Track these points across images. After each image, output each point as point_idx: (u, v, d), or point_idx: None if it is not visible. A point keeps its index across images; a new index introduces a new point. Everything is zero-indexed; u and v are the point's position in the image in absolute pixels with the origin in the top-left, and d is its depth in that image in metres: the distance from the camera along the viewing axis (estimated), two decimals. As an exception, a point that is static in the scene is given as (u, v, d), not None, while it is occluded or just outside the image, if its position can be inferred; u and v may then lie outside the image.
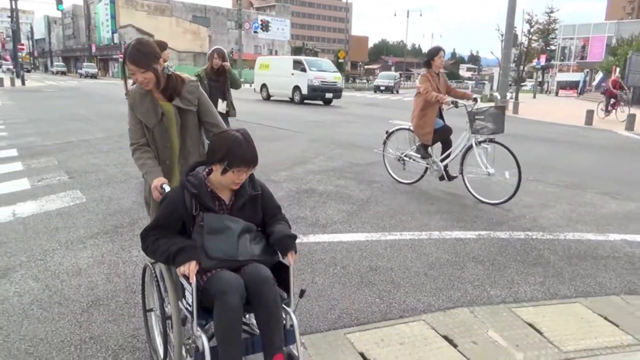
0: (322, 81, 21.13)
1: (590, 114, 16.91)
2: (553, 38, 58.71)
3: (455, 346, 2.69)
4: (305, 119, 14.63)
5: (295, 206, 5.14)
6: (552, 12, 58.66)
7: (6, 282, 3.22)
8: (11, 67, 43.23)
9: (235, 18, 51.08)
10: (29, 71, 65.88)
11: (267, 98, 23.65)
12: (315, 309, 3.04)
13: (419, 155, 6.00)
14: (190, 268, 1.93)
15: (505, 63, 24.26)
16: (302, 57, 23.25)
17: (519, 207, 5.40)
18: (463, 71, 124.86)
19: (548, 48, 58.11)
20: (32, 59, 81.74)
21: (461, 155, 5.65)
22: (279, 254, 2.18)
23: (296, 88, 21.53)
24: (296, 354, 2.06)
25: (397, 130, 6.37)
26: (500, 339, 2.77)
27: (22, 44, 38.65)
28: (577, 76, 51.94)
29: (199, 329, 1.92)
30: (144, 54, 2.34)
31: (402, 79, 60.80)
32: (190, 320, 1.94)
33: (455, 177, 5.79)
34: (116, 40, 62.30)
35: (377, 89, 41.33)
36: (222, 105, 5.77)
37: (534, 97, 40.60)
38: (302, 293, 2.14)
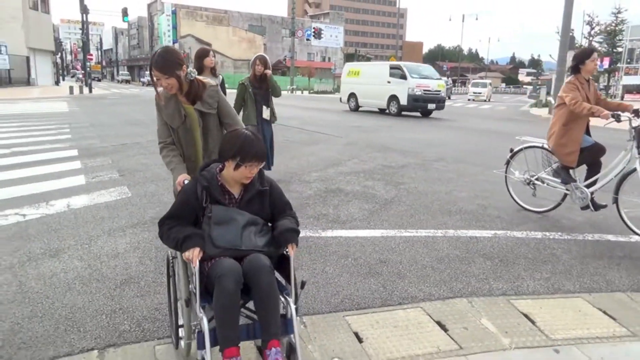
0: (424, 90, 18.50)
1: (649, 118, 16.06)
2: (620, 40, 55.76)
3: (445, 330, 2.86)
4: (346, 124, 14.91)
5: (320, 204, 5.41)
6: (619, 12, 55.75)
7: (56, 261, 3.70)
8: (80, 76, 46.44)
9: (289, 26, 52.17)
10: (99, 80, 69.73)
11: (356, 109, 21.40)
12: (321, 294, 3.29)
13: (558, 180, 4.99)
14: (194, 254, 2.15)
15: (560, 67, 23.51)
16: (401, 63, 20.67)
17: (544, 209, 5.41)
18: (522, 76, 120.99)
19: (615, 50, 55.24)
20: (100, 68, 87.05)
21: (617, 181, 4.56)
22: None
23: (393, 98, 19.04)
24: (294, 341, 2.17)
25: (526, 148, 5.31)
26: (491, 326, 2.91)
27: (91, 54, 41.54)
28: (645, 79, 49.05)
29: (201, 310, 2.12)
30: (167, 61, 2.59)
31: (456, 84, 59.74)
32: (194, 302, 2.16)
33: (604, 207, 4.73)
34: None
35: (427, 94, 40.97)
36: (266, 112, 5.99)
37: (596, 101, 38.80)
38: (302, 284, 2.31)
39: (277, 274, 2.35)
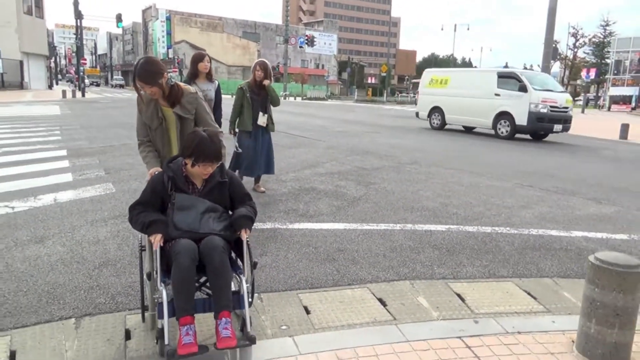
0: (552, 107, 14.15)
1: (625, 127, 16.68)
2: (608, 51, 56.92)
3: (385, 305, 3.24)
4: (332, 130, 15.32)
5: (292, 200, 5.79)
6: (607, 24, 56.92)
7: (40, 247, 4.05)
8: (74, 80, 46.65)
9: (283, 34, 52.77)
10: (98, 85, 68.41)
11: (441, 127, 16.92)
12: (280, 276, 3.66)
13: None
14: (155, 239, 2.51)
15: (543, 76, 24.14)
16: (516, 70, 16.05)
17: (499, 208, 5.83)
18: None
19: (603, 61, 56.36)
20: (99, 72, 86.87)
21: None
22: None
23: (503, 115, 14.63)
24: (245, 315, 2.48)
25: None
26: (425, 302, 3.30)
27: (85, 59, 41.71)
28: (631, 90, 50.05)
29: (162, 284, 2.47)
30: (151, 72, 2.89)
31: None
32: (154, 277, 2.52)
33: None
34: (171, 55, 65.72)
35: (418, 102, 41.53)
36: (262, 119, 5.84)
37: (582, 111, 39.58)
38: (254, 265, 2.63)
39: (234, 256, 2.72)
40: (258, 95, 5.82)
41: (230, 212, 2.79)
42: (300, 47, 60.49)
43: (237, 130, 5.96)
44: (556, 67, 28.63)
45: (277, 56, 75.82)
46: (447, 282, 3.66)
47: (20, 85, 37.90)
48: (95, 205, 5.34)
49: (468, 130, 17.17)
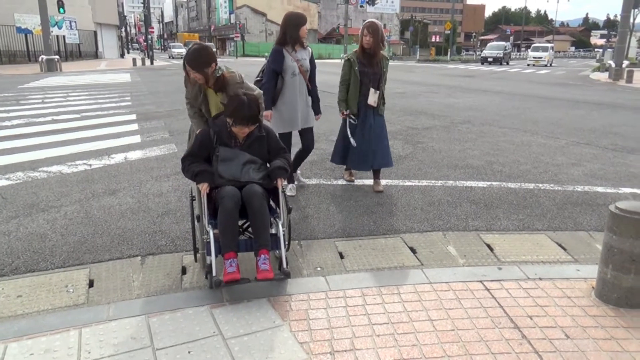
0: None
1: None
2: None
3: (414, 253, 3.47)
4: (388, 91, 15.22)
5: (339, 159, 6.04)
6: None
7: (113, 198, 4.61)
8: (143, 50, 48.69)
9: (343, -7, 51.74)
10: None
11: None
12: (320, 226, 3.97)
13: None
14: (203, 187, 2.90)
15: (622, 27, 22.35)
16: None
17: (547, 165, 5.77)
18: (596, 38, 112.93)
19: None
20: (162, 40, 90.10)
21: None
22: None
23: None
24: (281, 254, 2.84)
25: None
26: (454, 251, 3.49)
27: (152, 28, 43.28)
28: None
29: (209, 225, 2.86)
30: (197, 60, 3.14)
31: (521, 49, 56.75)
32: (202, 220, 2.91)
33: None
34: (232, 21, 66.56)
35: (484, 60, 39.86)
36: (373, 97, 4.62)
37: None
38: (289, 210, 3.00)
39: (274, 205, 3.06)
40: (369, 67, 4.56)
41: (268, 165, 3.11)
42: (361, 6, 58.98)
43: (347, 111, 4.71)
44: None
45: (338, 17, 74.59)
46: (479, 233, 3.81)
47: (95, 55, 40.20)
48: (160, 163, 5.88)
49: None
